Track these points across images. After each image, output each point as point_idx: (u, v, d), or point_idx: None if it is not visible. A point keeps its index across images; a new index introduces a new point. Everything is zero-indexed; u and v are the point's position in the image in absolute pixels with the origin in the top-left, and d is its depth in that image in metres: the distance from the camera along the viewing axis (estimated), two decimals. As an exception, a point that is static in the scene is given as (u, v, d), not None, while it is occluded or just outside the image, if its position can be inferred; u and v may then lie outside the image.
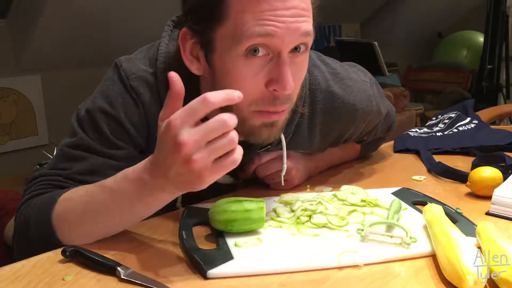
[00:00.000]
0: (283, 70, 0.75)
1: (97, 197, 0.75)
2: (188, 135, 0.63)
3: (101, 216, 0.76)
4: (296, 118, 0.95)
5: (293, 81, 0.77)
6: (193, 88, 0.88)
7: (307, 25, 0.76)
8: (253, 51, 0.75)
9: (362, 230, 0.76)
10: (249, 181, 1.04)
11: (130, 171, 0.72)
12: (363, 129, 1.06)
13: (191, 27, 0.80)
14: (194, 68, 0.83)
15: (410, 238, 0.73)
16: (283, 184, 0.99)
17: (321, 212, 0.83)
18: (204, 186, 0.66)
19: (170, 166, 0.65)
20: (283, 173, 0.98)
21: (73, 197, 0.79)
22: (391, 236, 0.75)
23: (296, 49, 0.77)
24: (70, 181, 0.85)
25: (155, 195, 0.71)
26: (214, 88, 0.82)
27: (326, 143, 1.06)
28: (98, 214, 0.75)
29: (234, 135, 0.65)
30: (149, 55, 0.92)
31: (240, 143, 0.96)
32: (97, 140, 0.87)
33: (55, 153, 0.90)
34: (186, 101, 0.88)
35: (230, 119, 0.64)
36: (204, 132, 0.63)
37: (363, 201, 0.89)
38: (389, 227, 0.79)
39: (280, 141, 0.95)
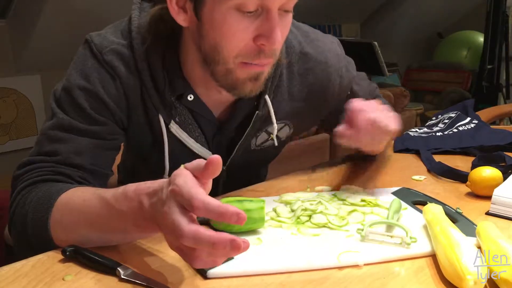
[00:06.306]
0: (273, 26, 0.78)
1: (94, 209, 0.72)
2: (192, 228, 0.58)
3: (95, 228, 0.73)
4: (275, 82, 0.97)
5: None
6: (172, 47, 0.90)
7: None
8: (244, 6, 0.77)
9: (362, 230, 0.76)
10: (249, 181, 1.04)
11: (132, 188, 0.67)
12: (345, 91, 1.07)
13: None
14: (181, 19, 0.84)
15: (410, 238, 0.73)
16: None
17: (321, 212, 0.83)
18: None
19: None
20: (275, 133, 1.01)
21: (70, 203, 0.76)
22: (391, 236, 0.75)
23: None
24: (62, 166, 0.84)
25: (148, 221, 0.66)
26: (201, 40, 0.84)
27: (312, 111, 1.06)
28: (92, 226, 0.73)
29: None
30: (120, 28, 0.92)
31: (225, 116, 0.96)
32: (78, 118, 0.86)
33: (37, 138, 0.88)
34: (165, 59, 0.89)
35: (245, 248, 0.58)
36: (207, 242, 0.58)
37: (363, 201, 0.89)
38: (389, 227, 0.79)
39: (265, 102, 0.97)
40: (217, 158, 0.60)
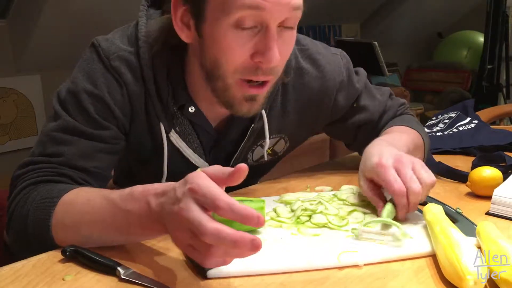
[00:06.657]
0: (270, 44, 0.78)
1: (98, 209, 0.73)
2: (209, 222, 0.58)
3: (98, 228, 0.73)
4: (272, 96, 0.97)
5: (280, 55, 0.79)
6: (177, 58, 0.90)
7: (297, 0, 0.78)
8: (242, 23, 0.77)
9: (357, 229, 0.76)
10: (248, 181, 1.04)
11: (139, 189, 0.68)
12: (344, 104, 1.05)
13: None
14: (184, 35, 0.84)
15: (402, 234, 0.73)
16: None
17: (321, 212, 0.83)
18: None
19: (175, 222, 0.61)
20: (266, 147, 1.00)
21: (73, 203, 0.76)
22: (384, 234, 0.75)
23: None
24: (65, 167, 0.84)
25: (153, 222, 0.65)
26: (202, 56, 0.84)
27: (307, 124, 1.05)
28: (95, 226, 0.73)
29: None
30: (127, 33, 0.91)
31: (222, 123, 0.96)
32: (83, 121, 0.86)
33: (38, 139, 0.87)
34: (170, 70, 0.89)
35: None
36: (227, 239, 0.57)
37: (363, 201, 0.89)
38: (384, 226, 0.78)
39: (260, 116, 0.97)
40: (245, 167, 0.60)
